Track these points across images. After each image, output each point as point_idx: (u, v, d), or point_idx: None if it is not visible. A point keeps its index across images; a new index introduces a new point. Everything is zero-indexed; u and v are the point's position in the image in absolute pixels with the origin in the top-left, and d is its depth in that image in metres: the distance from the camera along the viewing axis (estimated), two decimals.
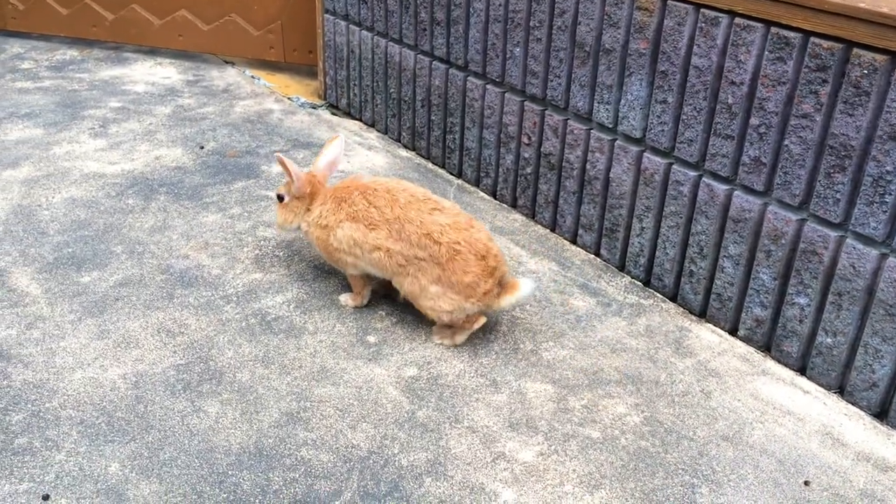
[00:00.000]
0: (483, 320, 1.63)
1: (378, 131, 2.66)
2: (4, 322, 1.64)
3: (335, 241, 1.67)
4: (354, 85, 2.71)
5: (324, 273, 1.88)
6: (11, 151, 2.39)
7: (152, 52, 3.29)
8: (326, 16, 2.74)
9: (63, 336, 1.61)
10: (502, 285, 1.60)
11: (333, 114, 2.81)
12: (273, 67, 3.20)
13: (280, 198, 1.76)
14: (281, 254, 1.95)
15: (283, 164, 1.70)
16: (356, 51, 2.64)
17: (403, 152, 2.53)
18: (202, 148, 2.48)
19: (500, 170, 2.21)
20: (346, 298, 1.77)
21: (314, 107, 2.87)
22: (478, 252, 1.57)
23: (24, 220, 2.03)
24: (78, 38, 3.33)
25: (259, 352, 1.60)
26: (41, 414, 1.41)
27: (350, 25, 2.64)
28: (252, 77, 3.11)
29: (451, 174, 2.39)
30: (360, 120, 2.74)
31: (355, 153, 2.50)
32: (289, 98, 2.92)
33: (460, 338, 1.63)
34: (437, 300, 1.58)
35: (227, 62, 3.24)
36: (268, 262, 1.91)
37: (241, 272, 1.87)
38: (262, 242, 1.99)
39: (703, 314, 1.76)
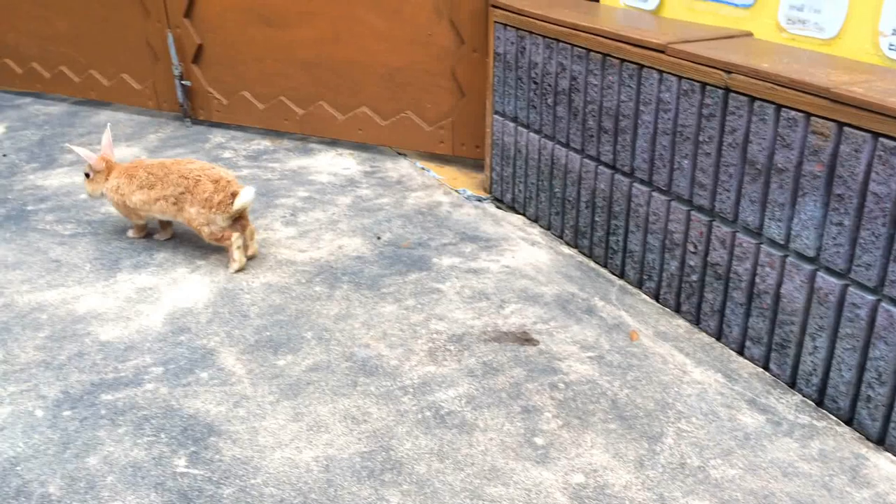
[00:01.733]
0: (237, 239, 2.43)
1: (541, 227, 2.79)
2: (216, 399, 1.86)
3: (131, 203, 2.51)
4: (520, 181, 2.87)
5: (492, 370, 1.99)
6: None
7: (334, 143, 3.60)
8: (495, 116, 2.93)
9: (264, 416, 1.81)
10: (234, 196, 2.38)
11: (498, 207, 2.97)
12: (442, 160, 3.42)
13: (87, 175, 2.57)
14: (452, 348, 2.09)
15: (74, 151, 2.54)
16: (523, 150, 2.80)
17: (566, 249, 2.63)
18: (379, 238, 2.70)
19: (664, 274, 2.27)
20: (131, 232, 2.67)
21: (480, 200, 3.04)
22: (211, 177, 2.41)
23: (229, 302, 2.29)
24: (271, 130, 3.71)
25: (434, 445, 1.72)
26: (248, 490, 1.59)
27: (518, 127, 2.80)
28: (423, 169, 3.34)
29: (614, 274, 2.47)
30: (524, 215, 2.88)
31: (518, 248, 2.63)
32: (456, 191, 3.12)
33: (235, 264, 2.44)
34: (197, 218, 2.40)
35: (400, 154, 3.50)
36: (440, 356, 2.05)
37: (416, 364, 2.01)
38: (434, 335, 2.14)
39: (881, 441, 1.72)
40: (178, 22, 3.64)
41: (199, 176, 2.42)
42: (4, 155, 3.42)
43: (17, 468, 1.63)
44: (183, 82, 3.74)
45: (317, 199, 3.01)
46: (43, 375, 1.93)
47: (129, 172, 2.52)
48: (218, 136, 3.69)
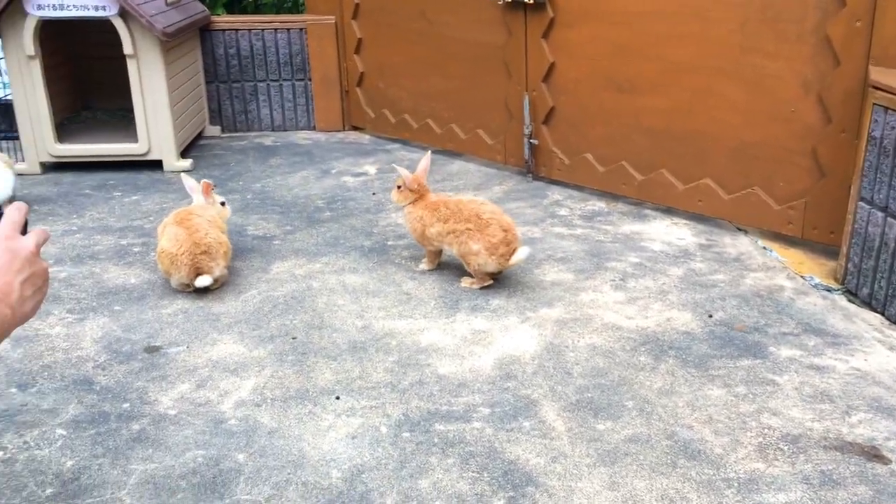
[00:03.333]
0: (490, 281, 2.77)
1: None
2: (535, 450, 1.92)
3: (429, 233, 2.81)
4: (882, 277, 2.57)
5: (830, 482, 1.79)
6: (548, 292, 2.80)
7: (669, 211, 3.56)
8: (861, 203, 2.67)
9: (580, 477, 1.82)
10: (513, 252, 2.66)
11: (851, 301, 2.70)
12: (787, 241, 3.20)
13: (398, 186, 2.90)
14: (785, 448, 1.92)
15: (397, 170, 2.91)
16: (891, 244, 2.52)
17: None
18: (710, 316, 2.60)
19: None
20: (424, 264, 2.97)
21: (829, 290, 2.79)
22: (502, 225, 2.68)
23: (554, 357, 2.36)
24: (607, 192, 3.78)
25: None
26: None
27: (889, 218, 2.53)
28: (764, 248, 3.16)
29: None
30: (883, 314, 2.58)
31: (873, 350, 2.36)
32: (802, 276, 2.89)
33: (478, 284, 2.78)
34: (475, 255, 2.69)
35: (739, 229, 3.35)
36: (771, 454, 1.90)
37: (743, 458, 1.89)
38: (766, 430, 1.99)
39: None
40: (535, 86, 3.89)
41: (491, 220, 2.68)
42: (374, 194, 3.90)
43: (363, 476, 1.83)
44: (531, 141, 3.98)
45: (647, 267, 2.99)
46: (389, 396, 2.16)
47: (432, 207, 2.82)
48: (556, 194, 3.84)
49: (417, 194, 2.90)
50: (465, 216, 2.75)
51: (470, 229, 2.73)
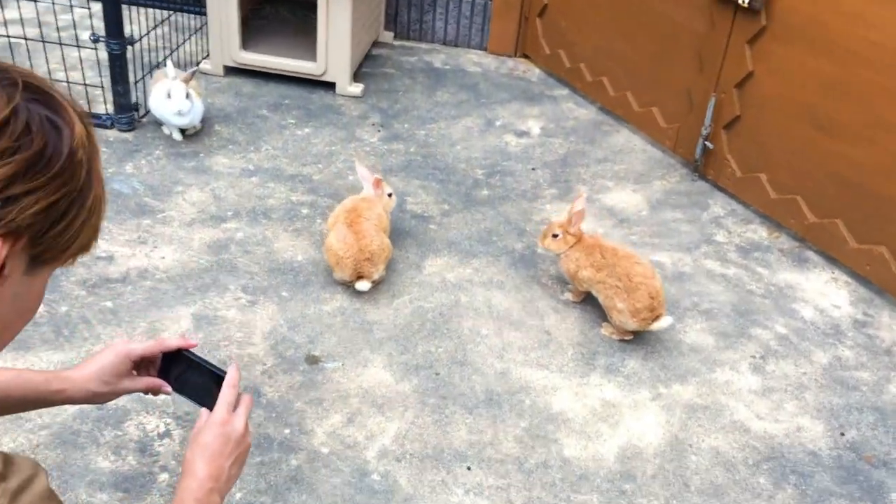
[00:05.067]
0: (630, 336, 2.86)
1: None
2: None
3: (580, 274, 2.89)
4: None
5: None
6: (685, 360, 2.85)
7: (832, 262, 3.41)
8: None
9: None
10: (656, 319, 2.74)
11: None
12: None
13: (555, 235, 2.95)
14: None
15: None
16: None
17: None
18: (842, 435, 2.60)
19: None
20: (570, 296, 3.09)
21: None
22: (650, 291, 2.73)
23: (676, 458, 2.47)
24: (772, 219, 3.63)
25: None
26: None
27: None
28: None
29: None
30: None
31: None
32: None
33: (618, 336, 2.86)
34: (619, 313, 2.77)
35: None
36: None
37: None
38: None
39: None
40: (726, 88, 3.65)
41: (640, 284, 2.74)
42: (533, 169, 3.89)
43: None
44: (706, 143, 3.80)
45: (793, 345, 2.96)
46: (515, 476, 2.36)
47: (588, 251, 2.89)
48: (718, 206, 3.72)
49: (576, 238, 2.92)
50: (616, 273, 2.78)
51: (618, 287, 2.76)
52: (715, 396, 2.70)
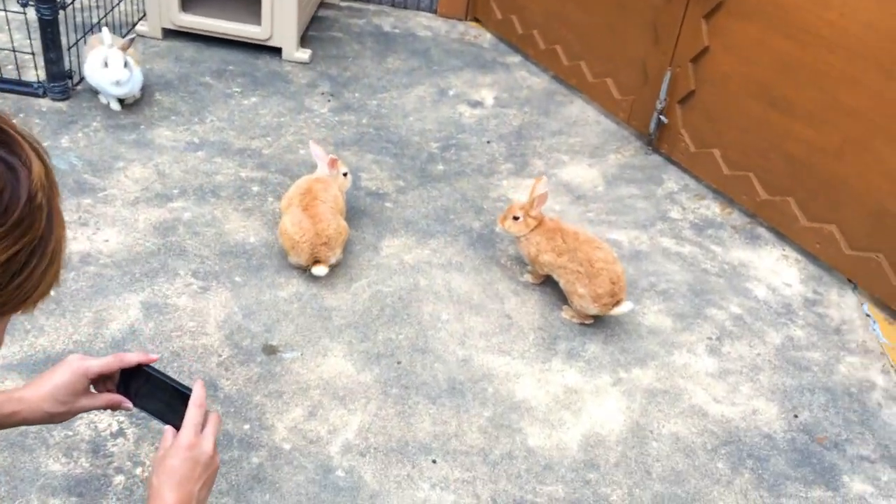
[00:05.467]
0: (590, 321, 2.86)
1: None
2: None
3: (541, 258, 2.86)
4: None
5: None
6: (644, 343, 2.87)
7: (782, 238, 3.47)
8: None
9: None
10: (618, 303, 2.74)
11: None
12: (894, 314, 3.15)
13: (515, 217, 2.89)
14: None
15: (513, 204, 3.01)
16: None
17: None
18: (796, 416, 2.67)
19: None
20: (529, 277, 3.11)
21: None
22: (612, 277, 2.72)
23: (637, 444, 2.49)
24: (725, 195, 3.66)
25: None
26: None
27: None
28: (868, 316, 3.12)
29: None
30: None
31: None
32: None
33: (578, 319, 2.86)
34: (580, 297, 2.76)
35: (849, 281, 3.28)
36: None
37: None
38: None
39: None
40: (681, 63, 3.63)
41: (602, 270, 2.73)
42: (489, 142, 3.82)
43: None
44: (661, 117, 3.79)
45: (747, 325, 3.01)
46: (480, 469, 2.34)
47: (549, 235, 2.86)
48: (672, 181, 3.73)
49: (537, 221, 2.88)
50: (578, 258, 2.76)
51: (580, 272, 2.75)
52: (674, 380, 2.73)
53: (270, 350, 2.60)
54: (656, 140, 3.89)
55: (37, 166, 0.95)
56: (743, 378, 2.78)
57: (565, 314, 2.90)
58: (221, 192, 3.23)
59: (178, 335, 2.60)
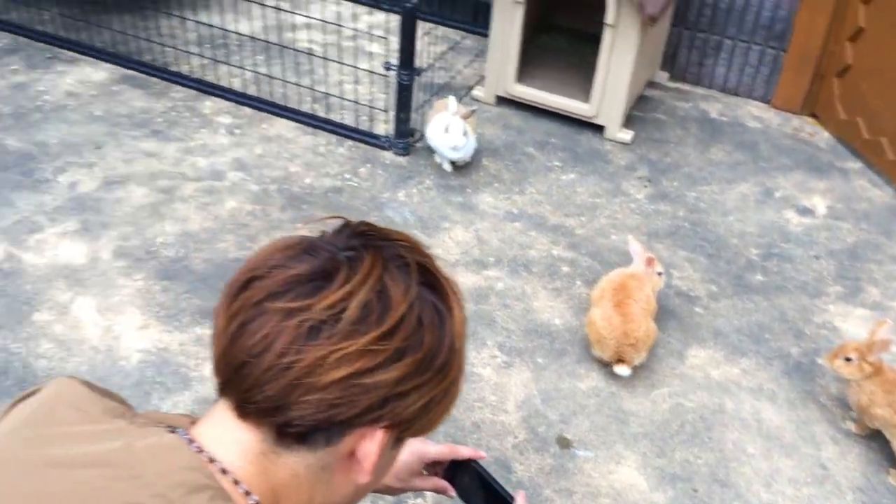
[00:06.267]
0: None
1: None
2: None
3: (873, 410, 2.53)
4: None
5: None
6: None
7: None
8: None
9: None
10: None
11: None
12: None
13: (848, 359, 2.56)
14: None
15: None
16: None
17: None
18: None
19: None
20: (850, 425, 2.73)
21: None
22: None
23: None
24: None
25: None
26: None
27: None
28: None
29: None
30: None
31: None
32: None
33: None
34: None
35: None
36: None
37: None
38: None
39: None
40: None
41: None
42: (817, 258, 3.52)
43: None
44: None
45: None
46: None
47: (889, 387, 2.52)
48: None
49: (874, 369, 2.57)
50: None
51: None
52: None
53: (565, 443, 2.58)
54: None
55: (458, 315, 1.02)
56: None
57: (893, 479, 2.55)
58: (533, 266, 3.30)
59: (479, 406, 2.67)
